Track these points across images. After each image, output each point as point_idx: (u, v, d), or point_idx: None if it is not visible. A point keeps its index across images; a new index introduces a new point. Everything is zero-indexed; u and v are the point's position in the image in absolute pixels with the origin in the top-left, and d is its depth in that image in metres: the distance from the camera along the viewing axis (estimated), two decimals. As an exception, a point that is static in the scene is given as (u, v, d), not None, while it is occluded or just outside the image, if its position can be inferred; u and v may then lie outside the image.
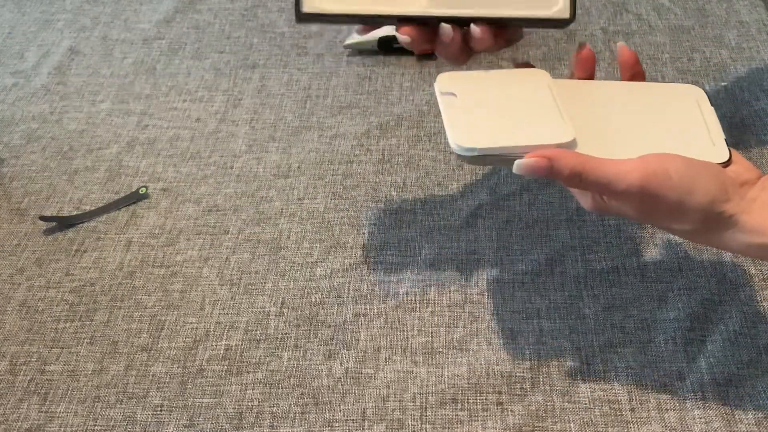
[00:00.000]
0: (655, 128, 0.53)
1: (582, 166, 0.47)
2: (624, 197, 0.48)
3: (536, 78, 0.55)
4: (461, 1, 0.57)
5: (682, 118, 0.53)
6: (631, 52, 0.56)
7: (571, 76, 0.57)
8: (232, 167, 0.74)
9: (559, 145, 0.50)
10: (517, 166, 0.48)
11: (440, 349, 0.59)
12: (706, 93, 0.55)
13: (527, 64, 0.57)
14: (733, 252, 0.52)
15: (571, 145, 0.50)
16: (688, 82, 0.79)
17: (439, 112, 0.53)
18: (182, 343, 0.60)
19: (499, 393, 0.56)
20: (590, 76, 0.57)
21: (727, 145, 0.51)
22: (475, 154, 0.50)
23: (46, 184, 0.73)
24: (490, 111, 0.52)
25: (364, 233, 0.67)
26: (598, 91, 0.55)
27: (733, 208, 0.47)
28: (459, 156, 0.50)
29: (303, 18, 0.59)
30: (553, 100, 0.53)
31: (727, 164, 0.50)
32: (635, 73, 0.56)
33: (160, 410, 0.56)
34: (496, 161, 0.51)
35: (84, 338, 0.61)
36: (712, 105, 0.54)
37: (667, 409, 0.54)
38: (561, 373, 0.57)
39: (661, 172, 0.46)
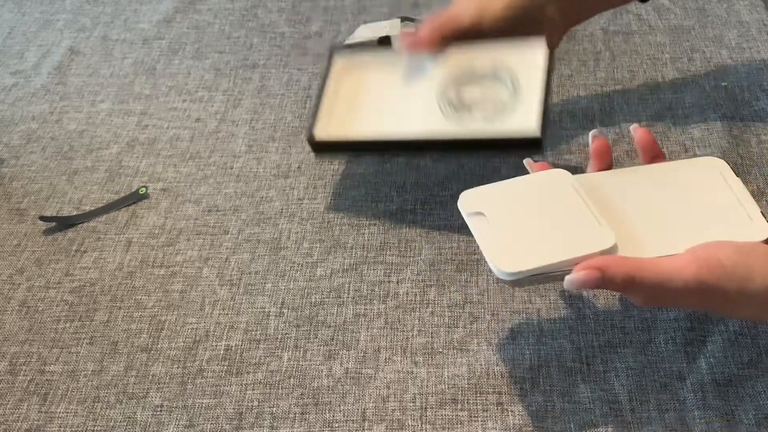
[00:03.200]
0: (690, 212, 0.52)
1: (634, 271, 0.47)
2: (681, 294, 0.47)
3: (559, 180, 0.54)
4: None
5: (713, 195, 0.53)
6: (647, 133, 0.56)
7: (592, 169, 0.57)
8: (232, 167, 0.74)
9: (603, 252, 0.49)
10: (569, 282, 0.48)
11: (440, 350, 0.59)
12: (729, 164, 0.55)
13: (544, 165, 0.56)
14: None
15: (613, 249, 0.49)
16: (688, 83, 0.79)
17: (470, 234, 0.52)
18: (182, 344, 0.60)
19: (499, 393, 0.56)
20: (609, 166, 0.56)
21: (765, 217, 0.51)
22: (521, 277, 0.49)
23: (46, 184, 0.73)
24: (524, 228, 0.52)
25: (364, 233, 0.67)
26: (622, 181, 0.55)
27: None
28: (502, 280, 0.50)
29: (317, 148, 0.66)
30: (584, 203, 0.52)
31: None
32: (656, 154, 0.56)
33: (160, 410, 0.56)
34: (542, 279, 0.50)
35: (84, 338, 0.61)
36: (737, 176, 0.54)
37: (667, 409, 0.54)
38: (561, 373, 0.57)
39: (714, 263, 0.46)
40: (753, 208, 0.52)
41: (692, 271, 0.46)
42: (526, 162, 0.57)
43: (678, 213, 0.52)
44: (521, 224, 0.52)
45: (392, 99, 0.67)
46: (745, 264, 0.46)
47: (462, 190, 0.54)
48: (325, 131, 0.65)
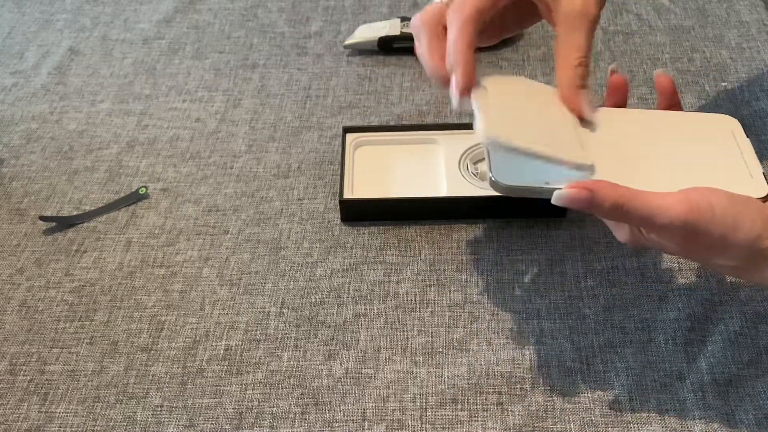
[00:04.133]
0: (692, 160, 0.52)
1: (624, 199, 0.46)
2: (666, 231, 0.47)
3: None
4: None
5: (719, 149, 0.53)
6: (668, 78, 0.55)
7: (604, 103, 0.56)
8: (232, 167, 0.74)
9: (578, 165, 0.49)
10: (557, 196, 0.47)
11: (440, 350, 0.59)
12: (741, 123, 0.54)
13: None
14: None
15: (590, 168, 0.49)
16: (688, 83, 0.79)
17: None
18: (182, 343, 0.60)
19: (499, 393, 0.56)
20: (623, 103, 0.56)
21: (766, 178, 0.50)
22: (504, 145, 0.49)
23: (45, 184, 0.73)
24: (520, 112, 0.52)
25: (364, 233, 0.67)
26: (631, 119, 0.54)
27: None
28: (496, 185, 0.50)
29: (346, 206, 0.67)
30: (573, 125, 0.52)
31: (766, 199, 0.49)
32: (673, 103, 0.55)
33: (160, 410, 0.56)
34: (528, 192, 0.50)
35: (84, 338, 0.61)
36: (747, 136, 0.53)
37: (667, 409, 0.54)
38: (561, 373, 0.57)
39: (705, 206, 0.46)
40: (756, 167, 0.51)
41: (681, 210, 0.46)
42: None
43: (680, 158, 0.52)
44: (519, 110, 0.52)
45: (414, 169, 0.70)
46: (735, 213, 0.46)
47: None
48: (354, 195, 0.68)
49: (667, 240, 0.48)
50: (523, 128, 0.51)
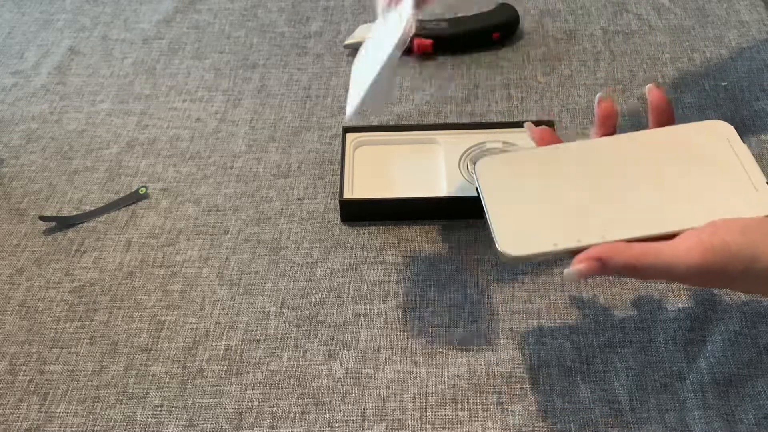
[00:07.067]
0: (694, 183, 0.50)
1: (635, 260, 0.46)
2: (683, 278, 0.46)
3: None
4: None
5: (717, 163, 0.51)
6: (661, 93, 0.54)
7: (593, 134, 0.55)
8: (232, 167, 0.74)
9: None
10: (568, 275, 0.47)
11: (440, 349, 0.59)
12: (741, 123, 0.53)
13: (544, 132, 0.55)
14: None
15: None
16: (688, 83, 0.79)
17: None
18: (182, 343, 0.60)
19: (499, 393, 0.56)
20: (612, 133, 0.54)
21: None
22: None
23: (45, 184, 0.73)
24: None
25: (364, 233, 0.67)
26: (623, 148, 0.53)
27: None
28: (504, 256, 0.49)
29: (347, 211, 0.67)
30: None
31: None
32: (666, 117, 0.54)
33: (160, 410, 0.56)
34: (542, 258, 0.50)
35: (84, 338, 0.61)
36: (743, 141, 0.52)
37: (667, 409, 0.54)
38: (561, 373, 0.57)
39: (719, 246, 0.45)
40: (759, 177, 0.50)
41: (697, 256, 0.45)
42: (527, 125, 0.56)
43: (680, 184, 0.51)
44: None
45: (414, 169, 0.70)
46: (751, 244, 0.45)
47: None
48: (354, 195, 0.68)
49: (686, 281, 0.48)
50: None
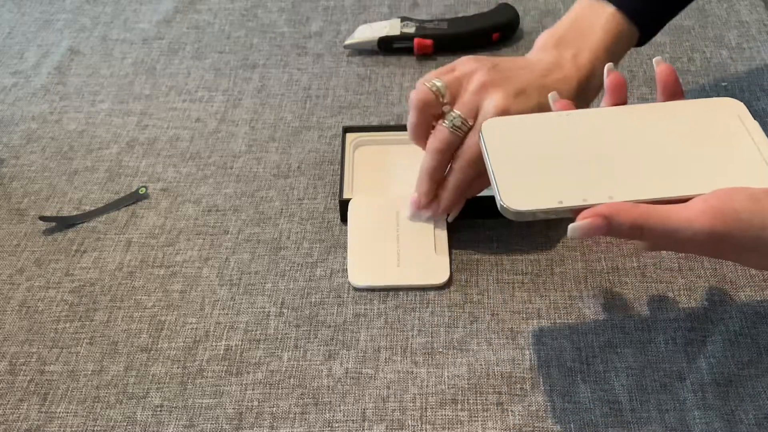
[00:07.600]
0: (703, 153, 0.50)
1: (642, 219, 0.45)
2: (690, 244, 0.45)
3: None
4: None
5: (728, 138, 0.51)
6: (669, 69, 0.53)
7: (602, 103, 0.55)
8: (232, 167, 0.74)
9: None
10: (572, 230, 0.46)
11: (440, 350, 0.59)
12: (746, 105, 0.53)
13: (567, 103, 0.55)
14: None
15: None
16: (688, 83, 0.79)
17: None
18: (182, 344, 0.60)
19: (499, 393, 0.56)
20: (623, 102, 0.54)
21: None
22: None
23: (45, 184, 0.73)
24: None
25: (364, 233, 0.67)
26: (634, 117, 0.53)
27: None
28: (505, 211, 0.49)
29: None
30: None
31: None
32: (674, 92, 0.53)
33: (160, 410, 0.56)
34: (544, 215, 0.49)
35: (84, 338, 0.61)
36: (754, 118, 0.52)
37: (667, 409, 0.54)
38: (561, 373, 0.57)
39: (729, 212, 0.44)
40: None
41: (705, 221, 0.44)
42: (551, 96, 0.56)
43: (691, 154, 0.50)
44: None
45: (414, 169, 0.69)
46: (761, 212, 0.44)
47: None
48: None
49: (694, 249, 0.47)
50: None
